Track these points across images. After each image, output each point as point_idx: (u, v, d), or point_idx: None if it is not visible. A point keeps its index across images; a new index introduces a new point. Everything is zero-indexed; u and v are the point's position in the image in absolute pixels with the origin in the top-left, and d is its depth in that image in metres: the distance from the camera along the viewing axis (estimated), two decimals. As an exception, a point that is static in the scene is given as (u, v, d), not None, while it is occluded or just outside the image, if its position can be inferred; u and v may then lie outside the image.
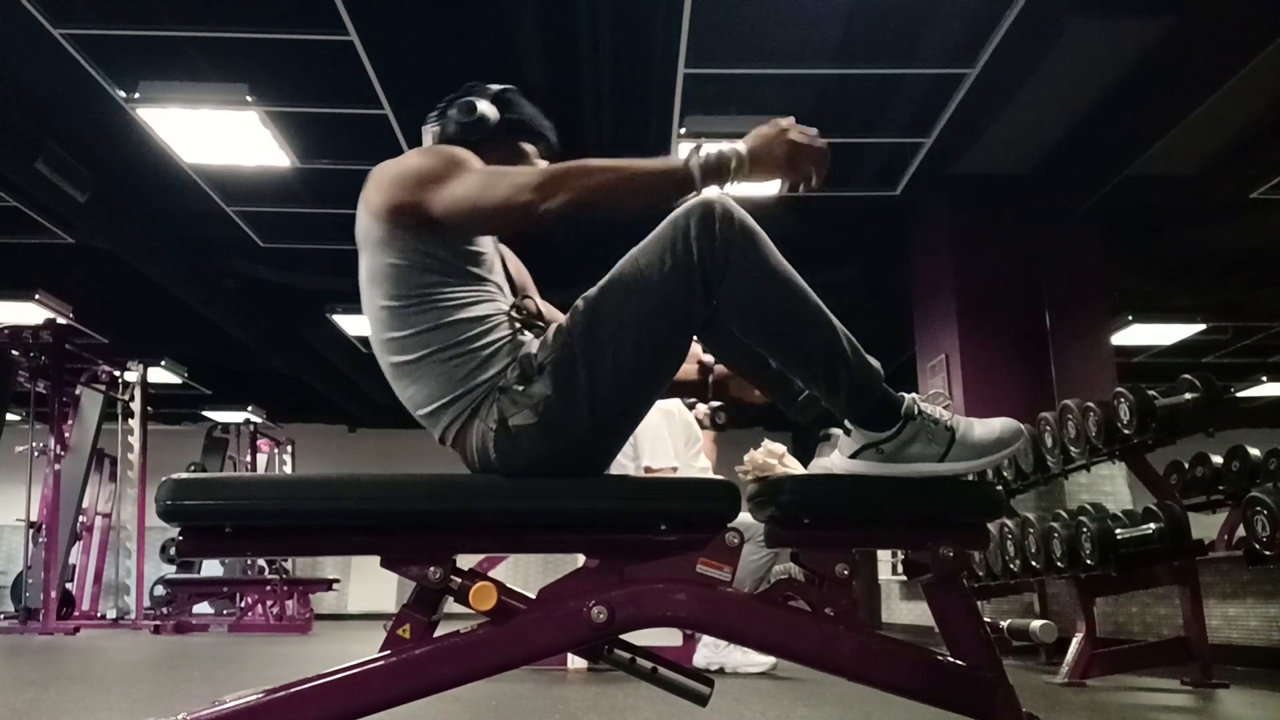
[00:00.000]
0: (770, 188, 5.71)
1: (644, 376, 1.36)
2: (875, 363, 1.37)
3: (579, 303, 1.36)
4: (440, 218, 1.38)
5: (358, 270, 1.53)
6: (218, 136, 5.43)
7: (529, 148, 1.65)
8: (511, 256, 1.69)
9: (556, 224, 1.32)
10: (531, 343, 1.40)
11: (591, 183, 1.31)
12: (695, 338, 1.48)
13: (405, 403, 1.46)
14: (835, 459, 1.40)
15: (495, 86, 1.66)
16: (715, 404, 3.19)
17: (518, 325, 1.46)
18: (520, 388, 1.35)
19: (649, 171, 1.34)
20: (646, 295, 1.31)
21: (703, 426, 4.20)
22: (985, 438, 1.36)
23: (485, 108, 1.61)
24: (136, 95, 5.01)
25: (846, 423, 1.38)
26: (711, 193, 1.33)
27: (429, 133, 1.64)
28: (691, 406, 4.23)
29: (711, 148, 1.31)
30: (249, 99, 5.06)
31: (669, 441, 3.54)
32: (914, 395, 1.39)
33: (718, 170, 1.30)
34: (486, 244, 1.51)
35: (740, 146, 1.31)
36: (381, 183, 1.43)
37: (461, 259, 1.44)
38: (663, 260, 1.30)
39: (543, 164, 1.63)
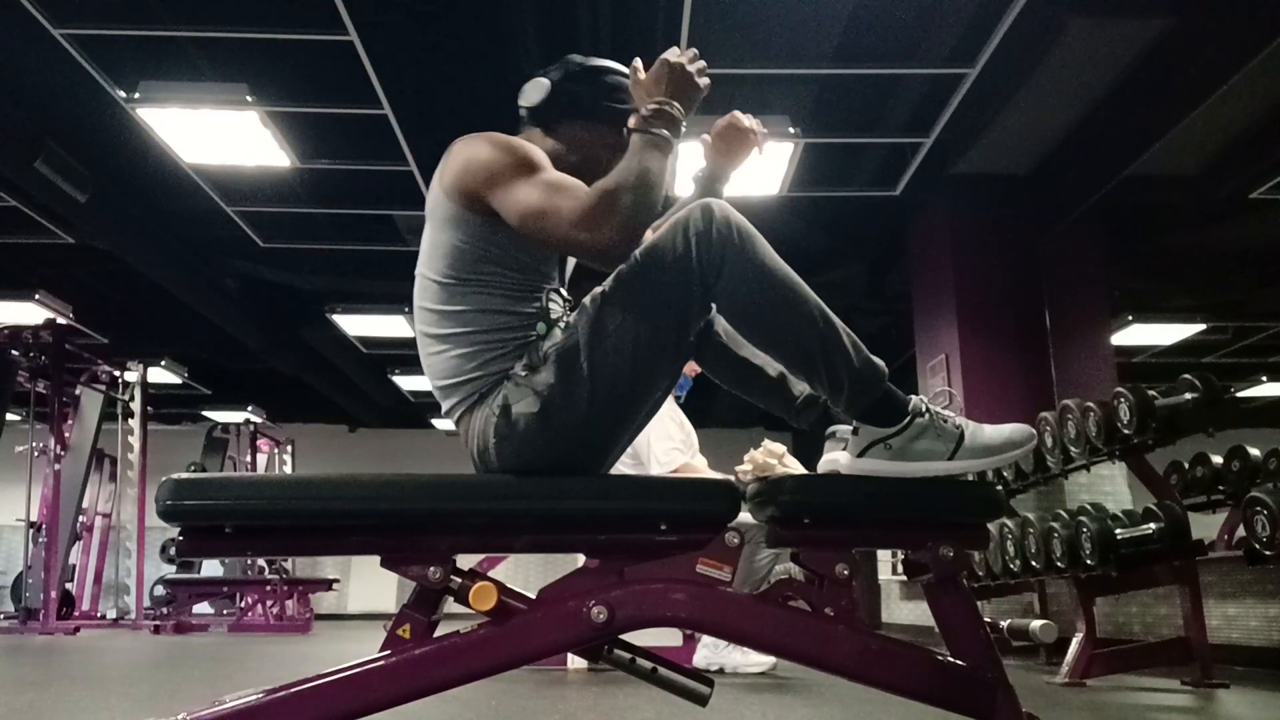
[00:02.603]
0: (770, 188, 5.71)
1: (643, 373, 1.37)
2: (878, 360, 1.38)
3: (585, 300, 1.39)
4: (509, 221, 1.39)
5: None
6: (218, 136, 5.43)
7: (602, 130, 1.58)
8: None
9: (617, 256, 1.35)
10: (550, 335, 1.41)
11: (645, 206, 1.33)
12: (692, 360, 1.52)
13: (426, 369, 1.49)
14: (843, 458, 1.40)
15: (597, 63, 1.60)
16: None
17: (557, 306, 1.48)
18: (525, 374, 1.37)
19: (659, 157, 1.37)
20: (648, 291, 1.35)
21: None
22: (995, 438, 1.37)
23: (579, 92, 1.56)
24: (136, 95, 5.00)
25: (855, 422, 1.39)
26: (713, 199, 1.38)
27: (537, 86, 1.58)
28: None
29: (653, 107, 1.39)
30: (249, 99, 5.05)
31: (672, 439, 3.54)
32: (921, 396, 1.40)
33: (672, 122, 1.39)
34: None
35: (671, 101, 1.40)
36: (457, 163, 1.43)
37: (524, 253, 1.45)
38: (664, 258, 1.34)
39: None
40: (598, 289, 1.40)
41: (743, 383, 1.57)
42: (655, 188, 1.35)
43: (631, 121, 1.39)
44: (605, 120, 1.55)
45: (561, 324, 1.43)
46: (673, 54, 1.42)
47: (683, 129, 1.41)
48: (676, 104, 1.40)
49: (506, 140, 1.44)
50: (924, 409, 1.37)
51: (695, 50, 1.44)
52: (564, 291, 1.55)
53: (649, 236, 1.41)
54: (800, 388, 1.54)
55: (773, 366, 1.54)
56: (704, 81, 1.45)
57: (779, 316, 1.35)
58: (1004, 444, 1.36)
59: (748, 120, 1.66)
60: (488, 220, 1.41)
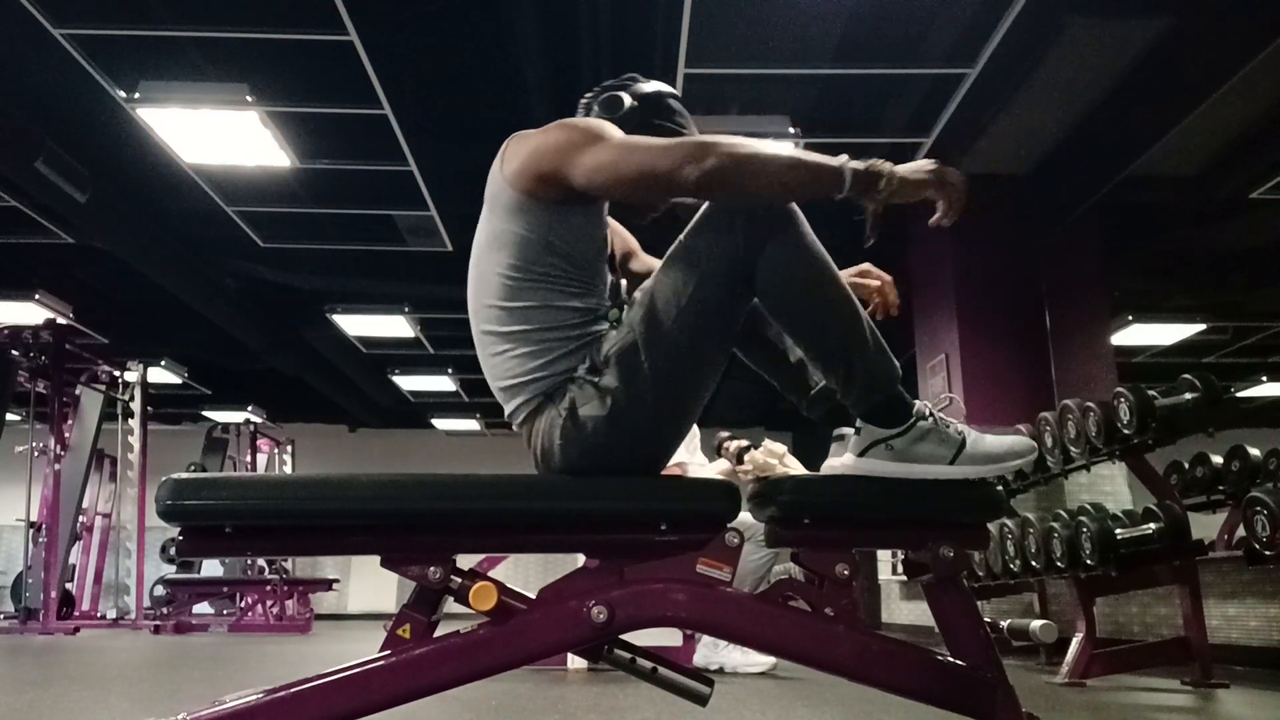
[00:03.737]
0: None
1: (700, 359, 1.38)
2: (895, 360, 1.39)
3: (636, 294, 1.39)
4: (582, 185, 1.37)
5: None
6: (218, 136, 5.43)
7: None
8: (616, 226, 1.69)
9: (699, 190, 1.31)
10: (608, 335, 1.41)
11: (740, 154, 1.29)
12: None
13: (486, 370, 1.47)
14: (844, 457, 1.41)
15: (649, 87, 1.64)
16: (745, 443, 3.22)
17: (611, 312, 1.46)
18: (594, 379, 1.37)
19: (799, 159, 1.33)
20: (697, 275, 1.34)
21: (727, 460, 4.21)
22: (996, 447, 1.37)
23: (630, 104, 1.59)
24: (136, 95, 5.01)
25: (858, 421, 1.39)
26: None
27: (612, 101, 1.62)
28: (721, 443, 4.24)
29: (865, 161, 1.33)
30: (249, 99, 5.06)
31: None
32: (926, 401, 1.40)
33: (867, 179, 1.32)
34: (606, 234, 1.51)
35: (894, 166, 1.34)
36: (522, 151, 1.42)
37: (586, 245, 1.44)
38: (711, 240, 1.35)
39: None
40: (646, 281, 1.40)
41: (765, 361, 1.58)
42: (778, 175, 1.31)
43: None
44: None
45: (618, 322, 1.44)
46: (952, 170, 1.38)
47: (864, 194, 1.34)
48: (895, 174, 1.34)
49: (576, 120, 1.47)
50: (928, 413, 1.37)
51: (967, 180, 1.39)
52: (623, 285, 1.55)
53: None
54: (818, 377, 1.54)
55: (795, 351, 1.55)
56: (958, 185, 1.38)
57: (811, 300, 1.36)
58: (1005, 453, 1.37)
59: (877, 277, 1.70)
60: (551, 209, 1.41)
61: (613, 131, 1.41)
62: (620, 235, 1.72)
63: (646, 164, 1.33)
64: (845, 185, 1.31)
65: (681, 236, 1.39)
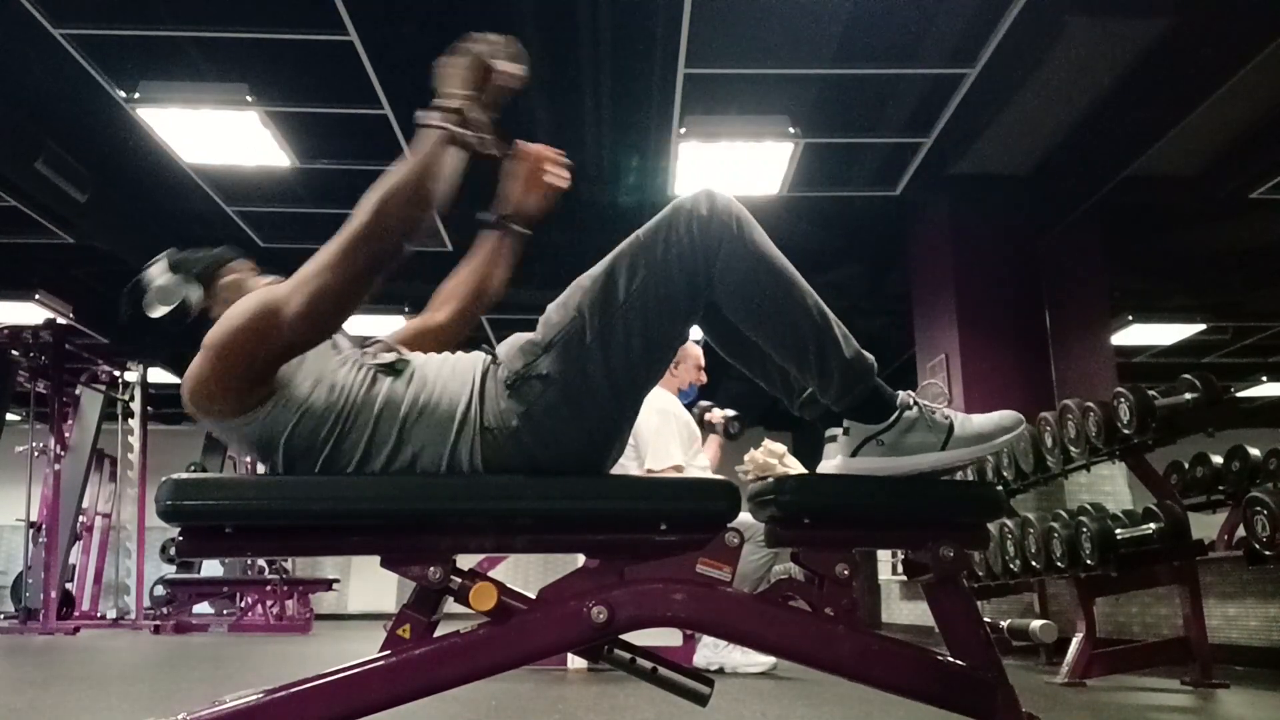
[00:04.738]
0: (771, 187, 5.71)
1: (655, 341, 1.37)
2: (867, 353, 1.37)
3: (583, 279, 1.37)
4: (294, 343, 1.32)
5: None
6: (218, 136, 5.43)
7: (237, 272, 1.60)
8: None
9: (390, 247, 1.32)
10: (517, 337, 1.39)
11: (380, 209, 1.31)
12: (699, 328, 1.50)
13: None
14: (836, 460, 1.40)
15: (154, 268, 1.53)
16: (731, 413, 3.19)
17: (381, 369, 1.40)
18: (536, 372, 1.34)
19: (420, 160, 1.30)
20: (652, 268, 1.33)
21: (714, 432, 4.16)
22: (985, 425, 1.37)
23: (175, 287, 1.50)
24: (136, 95, 5.01)
25: (845, 421, 1.38)
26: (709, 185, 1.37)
27: (145, 346, 1.54)
28: (703, 413, 4.19)
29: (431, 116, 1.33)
30: (249, 99, 5.05)
31: (672, 440, 3.54)
32: (909, 391, 1.40)
33: (458, 118, 1.32)
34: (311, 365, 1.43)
35: (446, 96, 1.35)
36: (201, 392, 1.31)
37: (332, 359, 1.40)
38: (666, 238, 1.34)
39: (263, 279, 1.61)
40: (594, 268, 1.37)
41: (750, 363, 1.56)
42: (402, 191, 1.31)
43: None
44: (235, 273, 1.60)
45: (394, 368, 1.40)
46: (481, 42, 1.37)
47: (467, 110, 1.33)
48: (444, 81, 1.35)
49: (215, 331, 1.33)
50: (912, 402, 1.37)
51: (509, 40, 1.37)
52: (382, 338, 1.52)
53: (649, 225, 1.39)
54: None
55: None
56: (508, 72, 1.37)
57: (773, 304, 1.35)
58: (995, 429, 1.36)
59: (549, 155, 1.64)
60: (283, 386, 1.34)
61: (262, 292, 1.35)
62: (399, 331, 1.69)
63: (332, 276, 1.30)
64: (449, 136, 1.31)
65: (636, 232, 1.37)
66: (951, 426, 1.36)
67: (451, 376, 1.39)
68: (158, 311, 1.46)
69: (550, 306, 1.39)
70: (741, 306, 1.37)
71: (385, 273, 1.33)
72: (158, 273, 1.52)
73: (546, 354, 1.34)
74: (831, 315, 1.36)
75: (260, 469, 1.43)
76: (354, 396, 1.35)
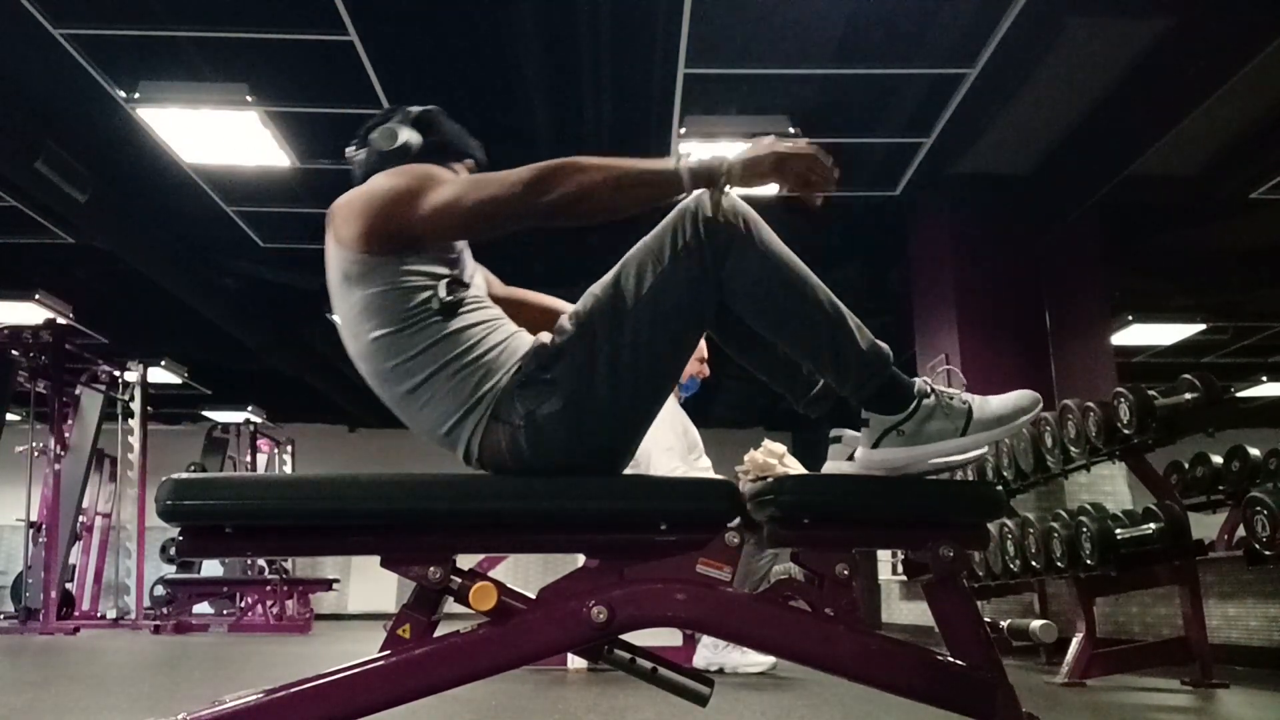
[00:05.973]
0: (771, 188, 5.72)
1: (661, 356, 1.37)
2: (882, 343, 1.37)
3: (594, 289, 1.37)
4: (423, 231, 1.38)
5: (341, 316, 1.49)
6: (218, 136, 5.43)
7: (457, 167, 1.61)
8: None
9: (548, 217, 1.34)
10: (540, 336, 1.41)
11: (585, 179, 1.32)
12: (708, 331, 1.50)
13: (422, 432, 1.43)
14: (858, 454, 1.40)
15: (415, 109, 1.63)
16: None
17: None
18: (544, 376, 1.35)
19: (640, 171, 1.34)
20: (661, 276, 1.34)
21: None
22: (1003, 407, 1.37)
23: (407, 134, 1.57)
24: (136, 95, 5.01)
25: (863, 413, 1.38)
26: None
27: (356, 163, 1.60)
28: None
29: (703, 155, 1.34)
30: (249, 99, 5.05)
31: (672, 450, 3.52)
32: (925, 378, 1.39)
33: (707, 176, 1.33)
34: (465, 255, 1.51)
35: (730, 156, 1.34)
36: (353, 213, 1.40)
37: (442, 265, 1.43)
38: (674, 242, 1.34)
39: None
40: (604, 277, 1.38)
41: (756, 360, 1.56)
42: (623, 192, 1.33)
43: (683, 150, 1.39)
44: (454, 159, 1.60)
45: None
46: (774, 138, 1.35)
47: (717, 189, 1.33)
48: (734, 166, 1.32)
49: (400, 168, 1.45)
50: (929, 389, 1.37)
51: (806, 140, 1.35)
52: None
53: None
54: (816, 376, 1.52)
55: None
56: (805, 164, 1.32)
57: (785, 302, 1.35)
58: (1014, 411, 1.36)
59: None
60: (400, 256, 1.39)
61: (441, 173, 1.41)
62: (476, 266, 1.69)
63: (490, 199, 1.35)
64: (685, 186, 1.33)
65: (645, 238, 1.37)
66: (970, 411, 1.36)
67: (502, 353, 1.40)
68: (381, 145, 1.56)
69: (565, 314, 1.40)
70: (753, 306, 1.37)
71: (516, 229, 1.41)
72: (400, 122, 1.60)
73: (557, 362, 1.35)
74: (844, 308, 1.36)
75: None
76: (433, 312, 1.39)
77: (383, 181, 1.42)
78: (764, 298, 1.35)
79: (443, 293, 1.39)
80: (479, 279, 1.58)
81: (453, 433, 1.39)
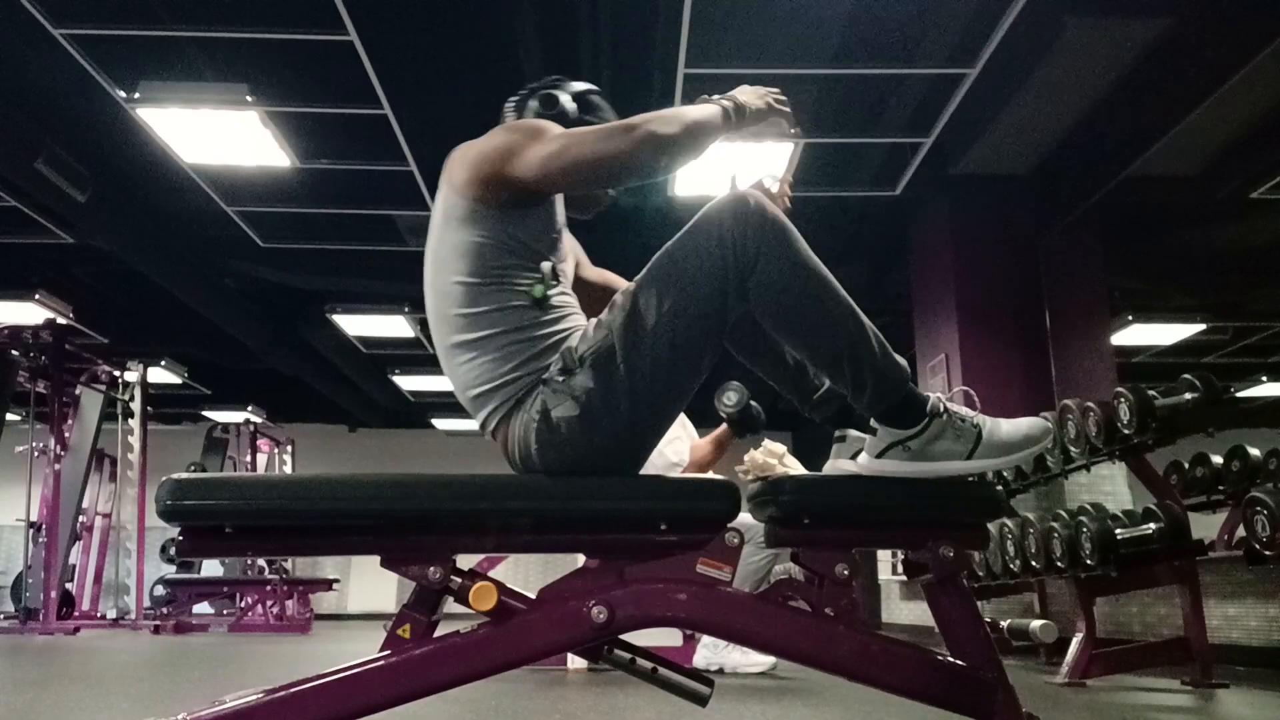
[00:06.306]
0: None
1: (681, 370, 1.37)
2: (901, 360, 1.37)
3: (617, 296, 1.38)
4: (533, 178, 1.41)
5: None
6: (218, 136, 5.43)
7: None
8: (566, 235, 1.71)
9: (649, 167, 1.39)
10: (573, 335, 1.41)
11: (672, 128, 1.38)
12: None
13: (454, 382, 1.48)
14: (861, 459, 1.40)
15: (580, 85, 1.72)
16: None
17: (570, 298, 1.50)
18: (562, 379, 1.36)
19: (706, 118, 1.44)
20: (684, 287, 1.34)
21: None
22: (1013, 435, 1.36)
23: (565, 102, 1.65)
24: (136, 95, 5.00)
25: (872, 422, 1.38)
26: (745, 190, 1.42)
27: (509, 118, 1.68)
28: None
29: (724, 97, 1.50)
30: (249, 99, 5.05)
31: (676, 438, 3.53)
32: (939, 395, 1.39)
33: (738, 111, 1.48)
34: (564, 233, 1.54)
35: (736, 97, 1.51)
36: (467, 159, 1.45)
37: (542, 244, 1.46)
38: (699, 252, 1.34)
39: None
40: (629, 285, 1.38)
41: (763, 362, 1.56)
42: (700, 136, 1.42)
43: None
44: None
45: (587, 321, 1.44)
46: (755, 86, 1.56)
47: (739, 120, 1.49)
48: (751, 103, 1.51)
49: (516, 122, 1.52)
50: (942, 409, 1.36)
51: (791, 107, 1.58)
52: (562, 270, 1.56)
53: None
54: (822, 380, 1.53)
55: (792, 353, 1.53)
56: (776, 106, 1.55)
57: (811, 313, 1.34)
58: (1023, 440, 1.36)
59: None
60: (504, 212, 1.43)
61: (551, 126, 1.45)
62: (570, 244, 1.72)
63: (594, 150, 1.38)
64: (734, 121, 1.47)
65: (668, 245, 1.38)
66: (980, 434, 1.35)
67: (552, 343, 1.42)
68: (539, 109, 1.66)
69: (592, 320, 1.41)
70: (776, 314, 1.36)
71: (606, 185, 1.57)
72: (564, 90, 1.70)
73: (581, 368, 1.35)
74: (867, 322, 1.35)
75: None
76: (516, 285, 1.43)
77: (497, 135, 1.46)
78: (787, 307, 1.35)
79: (539, 290, 1.43)
80: (570, 259, 1.62)
81: (479, 400, 1.43)
